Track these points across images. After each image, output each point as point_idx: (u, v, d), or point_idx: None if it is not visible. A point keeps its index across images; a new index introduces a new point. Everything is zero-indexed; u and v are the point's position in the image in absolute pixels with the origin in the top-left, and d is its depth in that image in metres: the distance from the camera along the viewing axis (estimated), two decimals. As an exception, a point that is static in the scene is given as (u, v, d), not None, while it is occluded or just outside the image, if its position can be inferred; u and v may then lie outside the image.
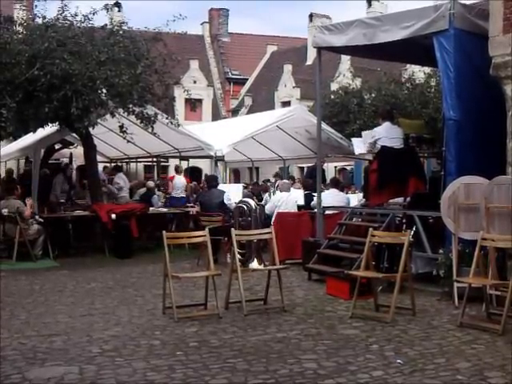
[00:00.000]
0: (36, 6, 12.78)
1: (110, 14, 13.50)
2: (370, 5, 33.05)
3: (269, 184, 18.54)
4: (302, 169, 26.69)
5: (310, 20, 36.19)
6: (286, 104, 31.64)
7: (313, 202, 11.35)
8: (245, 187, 16.23)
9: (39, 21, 11.94)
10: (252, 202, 10.47)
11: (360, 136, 11.39)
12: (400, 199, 9.90)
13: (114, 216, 11.83)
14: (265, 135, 15.84)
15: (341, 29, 9.78)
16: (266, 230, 7.80)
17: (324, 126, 13.66)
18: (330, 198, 11.08)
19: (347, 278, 7.69)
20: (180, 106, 26.96)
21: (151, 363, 5.27)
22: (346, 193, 13.58)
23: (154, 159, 19.95)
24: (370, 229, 7.57)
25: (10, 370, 5.09)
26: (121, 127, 12.09)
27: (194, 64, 35.63)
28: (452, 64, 8.33)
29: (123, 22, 12.60)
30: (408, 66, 20.15)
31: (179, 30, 12.48)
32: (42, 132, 12.58)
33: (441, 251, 8.06)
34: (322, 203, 10.46)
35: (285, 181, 13.67)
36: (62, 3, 11.77)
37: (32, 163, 14.46)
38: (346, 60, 26.78)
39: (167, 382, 4.85)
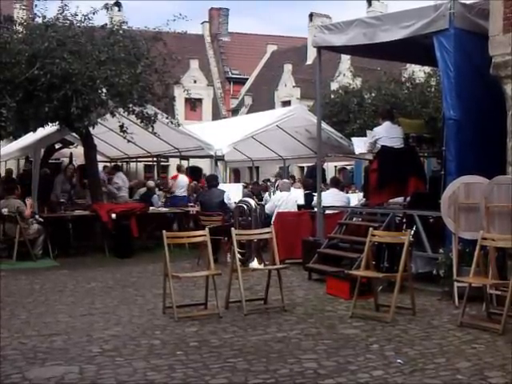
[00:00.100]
0: (36, 5, 12.77)
1: (109, 14, 13.54)
2: (370, 4, 33.09)
3: (269, 184, 18.55)
4: (302, 168, 26.72)
5: (310, 20, 36.23)
6: (286, 103, 31.68)
7: (313, 202, 11.35)
8: (245, 187, 16.24)
9: (39, 20, 11.94)
10: (252, 202, 10.48)
11: (360, 135, 11.43)
12: (400, 199, 9.88)
13: (114, 216, 11.83)
14: (265, 135, 15.84)
15: (341, 28, 9.78)
16: (266, 230, 7.78)
17: (324, 125, 13.65)
18: (330, 197, 11.07)
19: (347, 278, 7.69)
20: (180, 106, 26.92)
21: (151, 363, 5.26)
22: (346, 192, 13.60)
23: (154, 159, 19.97)
24: (370, 228, 7.56)
25: (10, 369, 5.09)
26: (121, 127, 12.09)
27: (194, 63, 35.63)
28: (452, 63, 8.33)
29: (123, 22, 12.61)
30: (408, 65, 20.16)
31: (179, 29, 12.53)
32: (42, 132, 12.59)
33: (441, 251, 8.04)
34: (322, 203, 10.46)
35: (285, 180, 13.67)
36: (62, 3, 11.79)
37: (32, 163, 14.46)
38: (346, 59, 26.75)
39: (167, 382, 4.85)
